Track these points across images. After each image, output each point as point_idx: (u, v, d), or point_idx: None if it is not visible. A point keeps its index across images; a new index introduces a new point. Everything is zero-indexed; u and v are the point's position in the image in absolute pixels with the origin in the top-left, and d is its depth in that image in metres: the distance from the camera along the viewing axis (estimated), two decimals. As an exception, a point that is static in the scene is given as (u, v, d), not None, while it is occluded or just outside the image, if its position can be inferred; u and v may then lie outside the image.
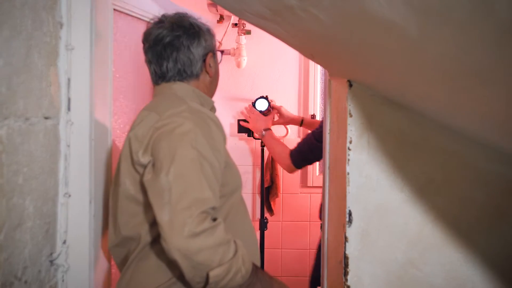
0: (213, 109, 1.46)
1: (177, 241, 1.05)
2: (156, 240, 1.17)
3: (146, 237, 1.23)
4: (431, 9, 0.58)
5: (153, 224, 1.19)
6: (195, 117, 1.21)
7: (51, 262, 1.16)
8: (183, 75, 1.37)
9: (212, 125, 1.23)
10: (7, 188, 0.93)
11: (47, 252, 1.14)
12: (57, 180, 1.18)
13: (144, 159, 1.19)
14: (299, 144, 2.37)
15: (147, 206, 1.19)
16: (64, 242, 1.21)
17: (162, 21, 1.38)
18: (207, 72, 1.43)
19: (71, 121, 1.21)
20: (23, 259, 1.00)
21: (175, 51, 1.35)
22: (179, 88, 1.36)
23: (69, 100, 1.21)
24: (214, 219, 1.12)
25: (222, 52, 1.60)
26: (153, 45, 1.37)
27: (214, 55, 1.48)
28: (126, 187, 1.24)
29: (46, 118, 1.10)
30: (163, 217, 1.08)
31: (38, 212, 1.07)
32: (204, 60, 1.41)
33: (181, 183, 1.11)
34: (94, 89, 1.31)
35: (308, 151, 2.28)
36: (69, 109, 1.21)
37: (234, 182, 1.34)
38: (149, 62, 1.40)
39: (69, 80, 1.21)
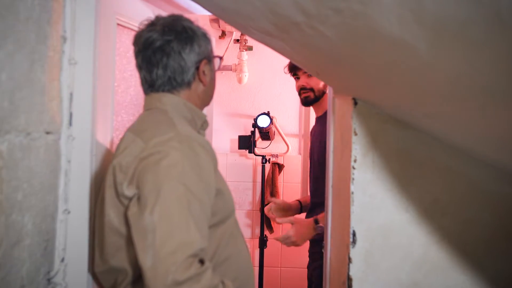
0: (205, 123, 1.37)
1: None
2: (141, 277, 1.08)
3: (131, 273, 1.18)
4: (444, 28, 0.57)
5: (137, 261, 1.10)
6: (184, 146, 1.13)
7: (49, 280, 1.13)
8: (173, 83, 1.28)
9: (201, 153, 1.15)
10: (6, 204, 0.91)
11: (45, 271, 1.11)
12: (57, 196, 1.16)
13: (129, 191, 1.12)
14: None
15: (131, 240, 1.11)
16: (62, 260, 1.18)
17: (153, 24, 1.29)
18: (201, 80, 1.32)
19: (73, 136, 1.20)
20: (20, 277, 0.98)
21: (165, 56, 1.26)
22: (169, 101, 1.28)
23: (71, 115, 1.19)
24: (202, 261, 1.06)
25: (221, 58, 1.47)
26: (142, 49, 1.27)
27: (210, 62, 1.36)
28: (110, 218, 1.17)
29: (47, 133, 1.08)
30: (146, 261, 1.02)
31: (37, 229, 1.05)
32: (198, 67, 1.31)
33: (166, 224, 1.04)
34: (96, 104, 1.30)
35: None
36: (70, 124, 1.19)
37: (226, 210, 1.26)
38: (139, 67, 1.31)
39: (71, 94, 1.19)
